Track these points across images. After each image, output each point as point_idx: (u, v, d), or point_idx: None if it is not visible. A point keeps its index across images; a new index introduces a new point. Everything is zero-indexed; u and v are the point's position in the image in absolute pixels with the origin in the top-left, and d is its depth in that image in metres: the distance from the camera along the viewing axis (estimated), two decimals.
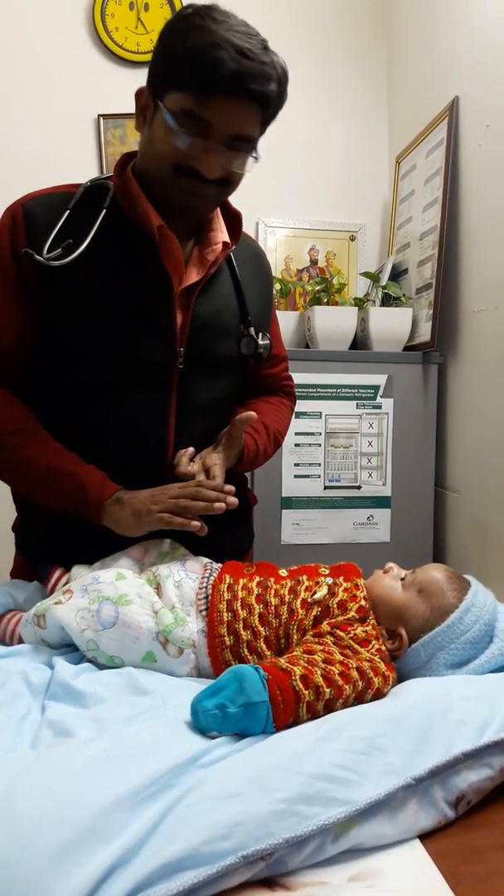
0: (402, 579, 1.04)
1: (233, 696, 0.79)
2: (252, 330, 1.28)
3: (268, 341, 1.31)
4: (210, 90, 1.02)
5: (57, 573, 1.17)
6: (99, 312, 1.12)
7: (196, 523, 1.11)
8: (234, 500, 1.12)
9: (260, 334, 1.30)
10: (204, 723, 0.79)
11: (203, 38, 1.00)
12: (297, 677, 0.83)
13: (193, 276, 1.19)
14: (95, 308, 1.12)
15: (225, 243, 1.21)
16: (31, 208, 1.13)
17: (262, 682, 0.80)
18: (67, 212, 1.13)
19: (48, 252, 1.10)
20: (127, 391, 1.16)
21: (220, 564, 1.10)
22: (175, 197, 1.13)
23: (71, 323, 1.12)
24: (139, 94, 1.12)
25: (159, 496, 1.12)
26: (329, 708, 0.84)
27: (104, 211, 1.14)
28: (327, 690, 0.84)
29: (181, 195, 1.13)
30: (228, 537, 1.35)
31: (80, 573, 1.12)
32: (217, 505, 1.10)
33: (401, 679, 0.95)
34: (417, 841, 0.72)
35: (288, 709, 0.81)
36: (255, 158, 1.11)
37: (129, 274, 1.14)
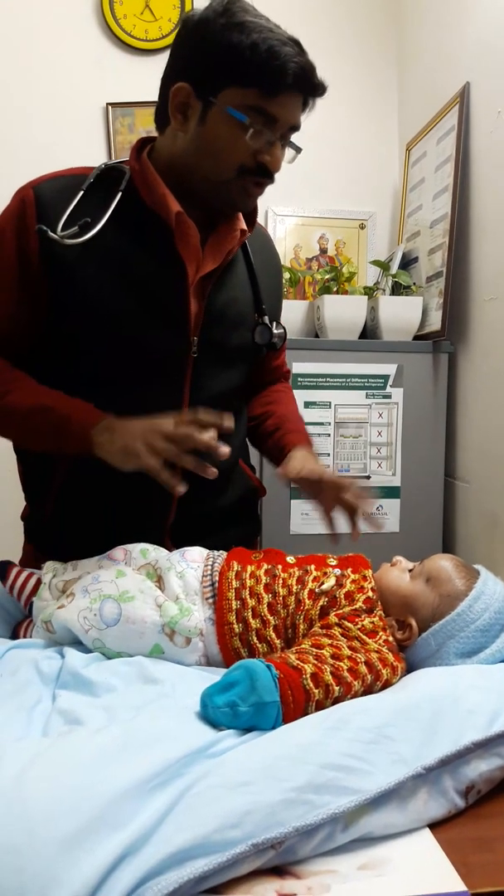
0: (410, 570, 1.04)
1: (244, 694, 0.79)
2: (266, 319, 1.27)
3: (282, 330, 1.30)
4: (280, 86, 1.04)
5: (15, 570, 1.17)
6: (110, 299, 1.11)
7: (181, 489, 1.02)
8: (225, 450, 1.03)
9: (274, 323, 1.29)
10: (213, 718, 0.79)
11: (263, 35, 1.01)
12: (308, 676, 0.83)
13: (210, 264, 1.17)
14: (107, 294, 1.10)
15: (242, 231, 1.20)
16: (43, 190, 1.12)
17: (273, 681, 0.80)
18: (81, 193, 1.12)
19: (62, 230, 1.08)
20: (139, 380, 1.16)
21: (222, 552, 1.10)
22: (230, 197, 1.13)
23: (81, 310, 1.11)
24: (177, 92, 1.07)
25: (151, 435, 1.02)
26: (337, 703, 0.84)
27: (119, 194, 1.12)
28: (337, 688, 0.84)
29: (239, 195, 1.13)
30: (236, 529, 1.35)
31: (52, 568, 1.11)
32: (210, 471, 1.03)
33: (411, 669, 0.95)
34: (427, 830, 0.72)
35: (298, 708, 0.81)
36: (299, 150, 1.13)
37: (143, 260, 1.13)
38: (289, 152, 1.13)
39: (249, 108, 1.04)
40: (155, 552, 1.11)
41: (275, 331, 1.28)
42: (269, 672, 0.81)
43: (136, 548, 1.11)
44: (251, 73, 1.03)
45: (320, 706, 0.83)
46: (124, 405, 1.15)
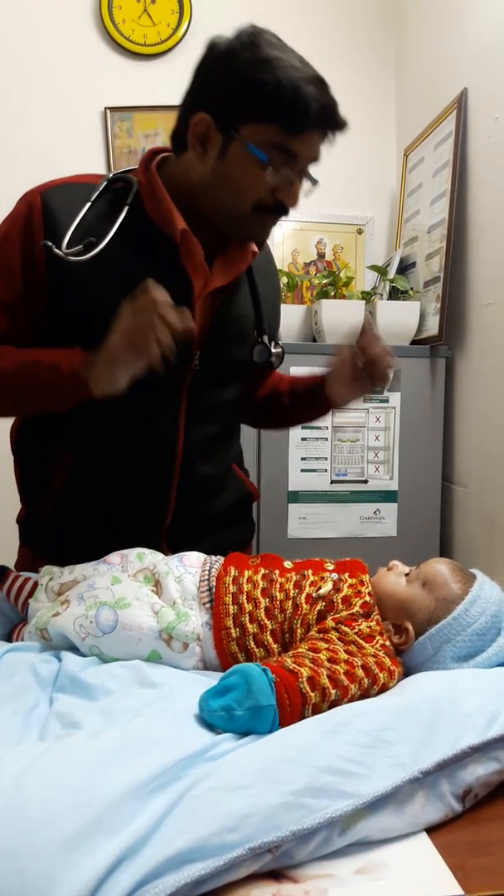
0: (407, 575, 1.04)
1: (240, 698, 0.79)
2: (265, 338, 1.28)
3: (280, 349, 1.31)
4: (305, 125, 1.04)
5: (12, 576, 1.17)
6: (114, 311, 1.10)
7: (192, 324, 1.02)
8: (188, 317, 1.01)
9: (272, 342, 1.29)
10: (210, 722, 0.79)
11: (288, 73, 1.01)
12: (304, 679, 0.83)
13: (219, 279, 1.17)
14: (111, 307, 1.09)
15: (254, 252, 1.21)
16: (50, 199, 1.11)
17: (270, 685, 0.80)
18: (88, 204, 1.11)
19: (68, 247, 1.08)
20: (138, 391, 1.16)
21: (219, 557, 1.10)
22: (246, 232, 1.13)
23: (84, 320, 1.11)
24: (198, 123, 1.07)
25: (124, 321, 1.01)
26: (334, 707, 0.84)
27: (126, 208, 1.12)
28: (333, 692, 0.84)
29: (254, 229, 1.14)
30: (229, 531, 1.36)
31: (49, 571, 1.11)
32: (185, 315, 1.00)
33: (408, 673, 0.95)
34: (424, 834, 0.72)
35: (294, 711, 0.81)
36: (316, 182, 1.13)
37: (148, 274, 1.11)
38: (305, 184, 1.13)
39: (271, 145, 1.04)
40: (151, 556, 1.11)
41: (273, 350, 1.29)
42: (265, 676, 0.81)
43: (133, 552, 1.11)
44: (274, 111, 1.03)
45: (317, 710, 0.83)
46: (122, 414, 1.15)
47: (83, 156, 2.51)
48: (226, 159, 1.07)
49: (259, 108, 1.03)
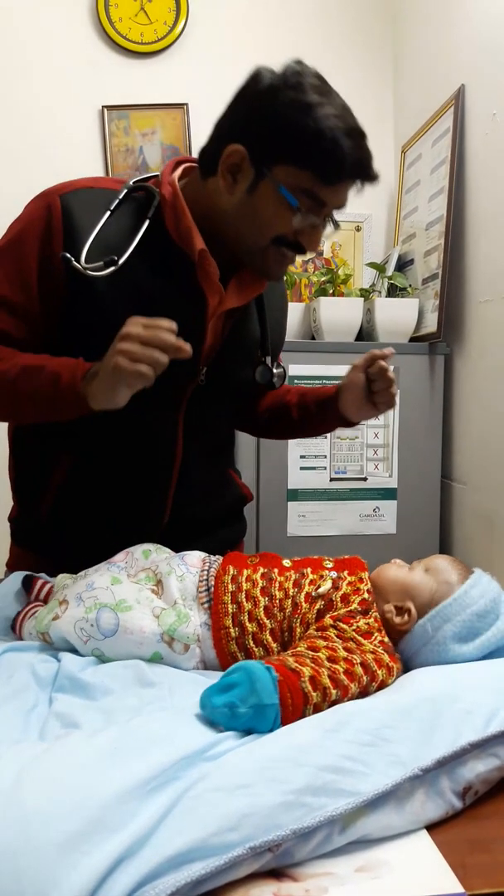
0: (409, 566, 1.06)
1: (244, 695, 0.79)
2: (268, 359, 1.28)
3: (282, 370, 1.31)
4: (339, 176, 1.05)
5: (39, 583, 1.16)
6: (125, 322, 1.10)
7: (187, 347, 0.98)
8: (188, 348, 0.98)
9: (274, 363, 1.30)
10: (212, 718, 0.79)
11: (330, 122, 1.01)
12: (307, 678, 0.83)
13: (233, 300, 1.17)
14: (122, 318, 1.07)
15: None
16: (71, 203, 1.09)
17: (273, 683, 0.80)
18: (108, 213, 1.10)
19: (87, 259, 1.06)
20: (139, 401, 1.15)
21: (218, 556, 1.10)
22: (262, 264, 1.13)
23: (97, 329, 1.09)
24: (232, 153, 1.06)
25: (125, 346, 0.97)
26: (334, 705, 0.84)
27: (147, 222, 1.11)
28: (334, 691, 0.84)
29: (271, 264, 1.13)
30: (223, 532, 1.37)
31: (64, 582, 1.11)
32: (186, 348, 0.98)
33: (408, 657, 0.96)
34: (425, 832, 0.72)
35: (296, 710, 0.81)
36: (338, 226, 1.14)
37: (165, 289, 1.13)
38: (328, 227, 1.14)
39: (302, 190, 1.05)
40: (156, 553, 1.11)
41: (275, 370, 1.29)
42: (268, 674, 0.81)
43: (139, 549, 1.11)
44: (311, 159, 1.03)
45: (318, 709, 0.83)
46: (123, 421, 1.14)
47: (80, 154, 2.51)
48: (255, 195, 1.07)
49: (296, 153, 1.03)
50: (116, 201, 1.12)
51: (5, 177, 2.44)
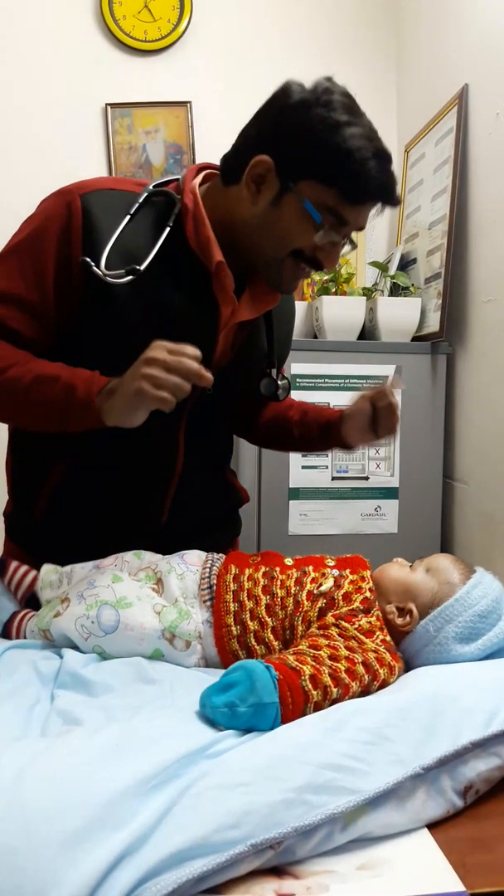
0: (410, 566, 1.06)
1: (244, 694, 0.79)
2: (273, 371, 1.29)
3: (286, 381, 1.31)
4: (364, 197, 1.06)
5: (13, 565, 1.17)
6: (141, 332, 1.07)
7: (209, 376, 0.99)
8: (209, 377, 0.99)
9: (279, 375, 1.30)
10: (212, 718, 0.80)
11: (359, 143, 1.01)
12: (307, 677, 0.83)
13: (246, 312, 1.18)
14: (138, 327, 1.08)
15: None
16: (91, 204, 1.08)
17: (273, 682, 0.80)
18: (127, 217, 1.09)
19: (106, 264, 1.05)
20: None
21: (220, 555, 1.10)
22: (277, 276, 1.14)
23: (111, 333, 1.10)
24: (258, 164, 1.06)
25: (149, 369, 0.97)
26: (335, 704, 0.84)
27: (167, 230, 1.10)
28: (335, 690, 0.84)
29: (286, 277, 1.14)
30: (220, 531, 1.37)
31: (49, 578, 1.11)
32: (207, 377, 0.98)
33: (410, 658, 0.96)
34: (425, 830, 0.72)
35: (296, 709, 0.81)
36: (355, 246, 1.16)
37: (180, 298, 1.12)
38: (346, 247, 1.15)
39: (325, 207, 1.05)
40: (149, 556, 1.11)
41: (279, 383, 1.29)
42: (268, 673, 0.81)
43: (128, 553, 1.12)
44: (338, 178, 1.03)
45: (318, 707, 0.83)
46: (122, 427, 1.14)
47: (83, 152, 2.51)
48: (278, 207, 1.07)
49: (323, 171, 1.04)
50: (136, 205, 1.11)
51: (8, 174, 2.44)
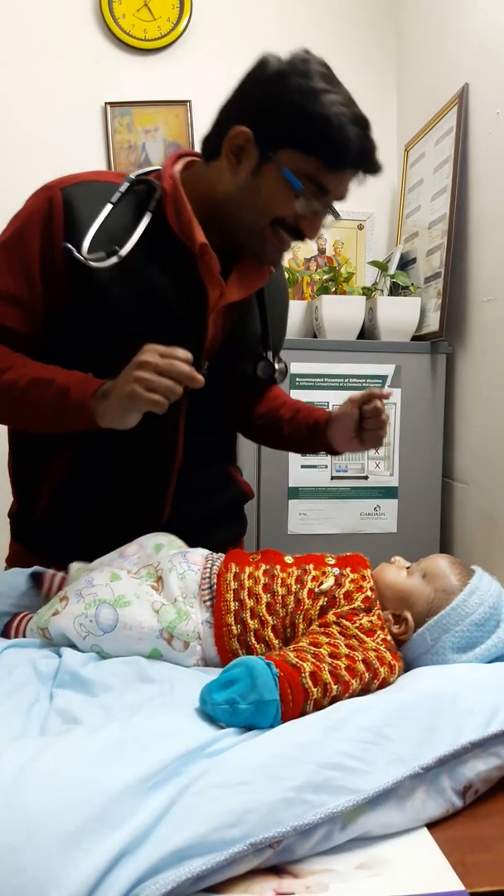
0: (407, 569, 1.05)
1: (244, 692, 0.79)
2: (269, 354, 1.29)
3: (283, 365, 1.31)
4: (343, 163, 1.06)
5: (48, 575, 1.17)
6: (131, 317, 1.10)
7: (200, 378, 1.01)
8: (201, 378, 1.01)
9: (276, 358, 1.30)
10: (212, 714, 0.79)
11: (337, 109, 1.02)
12: (307, 674, 0.83)
13: (235, 293, 1.18)
14: (127, 312, 1.10)
15: (270, 270, 1.23)
16: (72, 196, 1.10)
17: (273, 679, 0.80)
18: (109, 206, 1.10)
19: (89, 250, 1.07)
20: None
21: (220, 554, 1.10)
22: (261, 247, 1.14)
23: (100, 323, 1.10)
24: (237, 135, 1.06)
25: (142, 372, 0.98)
26: (334, 702, 0.84)
27: (149, 215, 1.11)
28: (335, 687, 0.84)
29: (267, 248, 1.14)
30: (223, 530, 1.37)
31: (78, 573, 1.11)
32: (199, 378, 1.01)
33: (408, 666, 0.95)
34: (425, 830, 0.72)
35: (296, 706, 0.81)
36: (338, 217, 1.15)
37: (167, 283, 1.13)
38: (327, 217, 1.15)
39: (306, 176, 1.06)
40: (168, 547, 1.11)
41: (276, 366, 1.30)
42: (269, 670, 0.81)
43: (150, 542, 1.12)
44: (317, 145, 1.04)
45: (318, 705, 0.83)
46: None
47: (83, 151, 2.51)
48: (258, 177, 1.08)
49: (302, 138, 1.04)
50: (118, 194, 1.12)
51: (8, 173, 2.43)
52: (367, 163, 1.08)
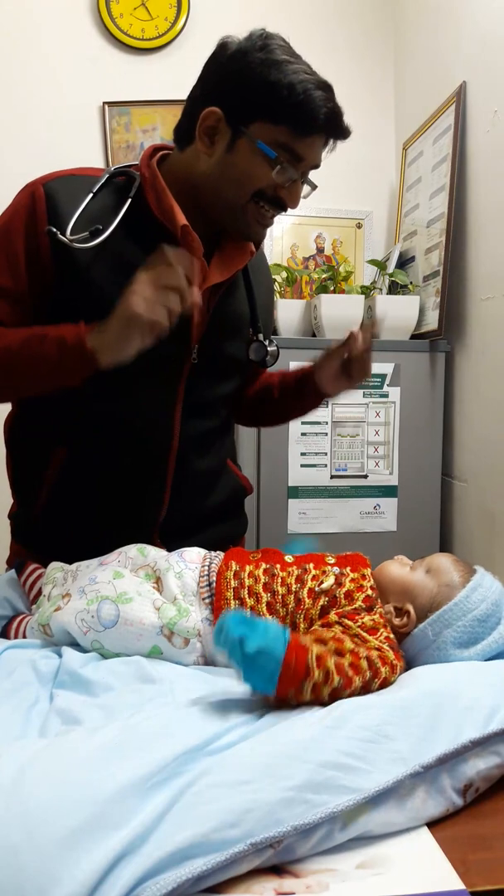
0: (411, 566, 1.05)
1: (257, 634, 0.79)
2: (260, 336, 1.30)
3: (275, 347, 1.32)
4: (311, 128, 1.08)
5: (31, 567, 1.17)
6: (112, 300, 1.09)
7: (197, 299, 1.03)
8: (197, 298, 1.04)
9: (268, 340, 1.31)
10: (219, 642, 0.80)
11: (300, 77, 1.04)
12: (314, 655, 0.83)
13: (216, 276, 1.19)
14: (109, 295, 1.09)
15: (251, 250, 1.23)
16: (53, 188, 1.12)
17: (284, 643, 0.80)
18: (90, 195, 1.12)
19: (72, 234, 1.08)
20: (137, 382, 1.16)
21: (219, 552, 1.10)
22: (244, 223, 1.15)
23: (86, 311, 1.10)
24: (207, 116, 1.09)
25: (141, 291, 1.00)
26: (335, 697, 0.83)
27: (129, 200, 1.13)
28: (336, 678, 0.83)
29: (251, 223, 1.15)
30: (223, 526, 1.37)
31: (54, 574, 1.11)
32: (195, 299, 1.03)
33: (409, 660, 0.96)
34: (425, 828, 0.72)
35: (296, 677, 0.80)
36: (315, 187, 1.18)
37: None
38: (305, 188, 1.16)
39: (279, 145, 1.08)
40: (155, 552, 1.11)
41: (269, 348, 1.30)
42: (285, 635, 0.81)
43: (132, 549, 1.11)
44: (285, 113, 1.06)
45: (317, 691, 0.82)
46: (120, 404, 1.16)
47: (81, 150, 2.50)
48: (233, 153, 1.09)
49: (270, 108, 1.06)
50: (99, 185, 1.14)
51: (7, 173, 2.43)
52: (336, 126, 1.11)
